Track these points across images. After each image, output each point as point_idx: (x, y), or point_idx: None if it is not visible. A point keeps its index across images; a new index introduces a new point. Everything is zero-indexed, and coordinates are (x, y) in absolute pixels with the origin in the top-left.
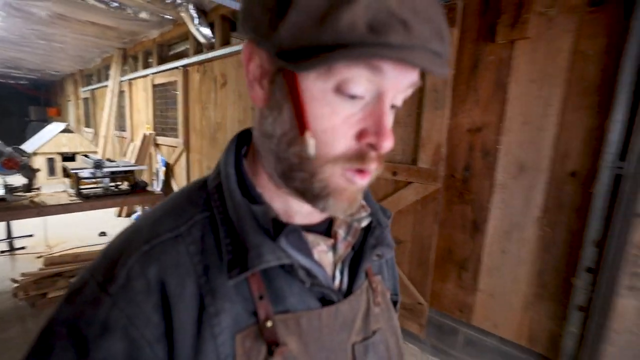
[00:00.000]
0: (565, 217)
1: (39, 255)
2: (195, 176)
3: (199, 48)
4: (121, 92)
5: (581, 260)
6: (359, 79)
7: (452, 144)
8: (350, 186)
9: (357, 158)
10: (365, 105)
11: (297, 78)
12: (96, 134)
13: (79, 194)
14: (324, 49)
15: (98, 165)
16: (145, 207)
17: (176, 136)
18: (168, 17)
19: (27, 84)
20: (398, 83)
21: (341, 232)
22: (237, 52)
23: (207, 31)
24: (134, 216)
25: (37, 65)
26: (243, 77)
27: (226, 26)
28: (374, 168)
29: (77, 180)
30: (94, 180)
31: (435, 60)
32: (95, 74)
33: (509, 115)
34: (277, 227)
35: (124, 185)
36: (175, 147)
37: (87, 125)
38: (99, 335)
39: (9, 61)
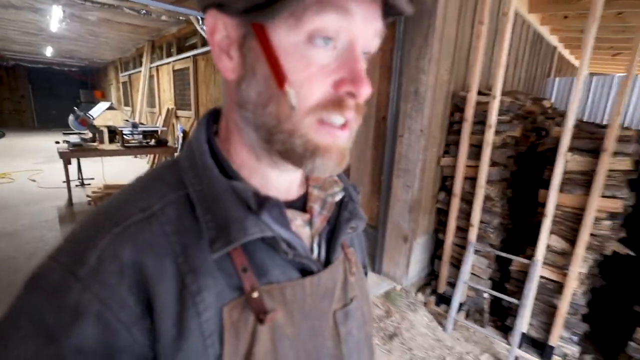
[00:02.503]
0: (382, 142)
1: (99, 187)
2: None
3: (205, 41)
4: (151, 77)
5: (384, 166)
6: (329, 25)
7: None
8: (334, 142)
9: (335, 106)
10: (338, 55)
11: (269, 34)
12: (133, 111)
13: (123, 145)
14: None
15: (134, 125)
16: (167, 157)
17: (190, 109)
18: (182, 18)
19: (78, 71)
20: (366, 29)
21: (316, 207)
22: None
23: None
24: None
25: (86, 55)
26: None
27: None
28: (352, 117)
29: (122, 135)
30: (132, 137)
31: None
32: (131, 62)
33: None
34: (257, 202)
35: (152, 142)
36: (190, 117)
37: (126, 104)
38: (69, 322)
39: (66, 52)
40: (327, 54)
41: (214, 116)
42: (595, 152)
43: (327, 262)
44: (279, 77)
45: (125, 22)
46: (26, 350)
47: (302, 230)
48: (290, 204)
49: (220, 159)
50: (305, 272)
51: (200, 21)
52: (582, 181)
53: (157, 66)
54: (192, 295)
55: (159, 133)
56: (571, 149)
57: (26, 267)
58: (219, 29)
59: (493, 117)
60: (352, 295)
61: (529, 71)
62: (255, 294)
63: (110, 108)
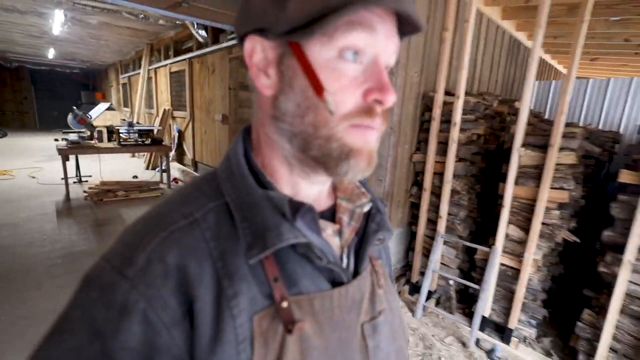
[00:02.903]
0: None
1: (96, 184)
2: (197, 137)
3: (200, 44)
4: (149, 79)
5: None
6: (358, 41)
7: None
8: (365, 145)
9: (366, 113)
10: (365, 69)
11: (305, 51)
12: (132, 112)
13: (119, 143)
14: (329, 10)
15: (130, 124)
16: (162, 155)
17: (185, 110)
18: (178, 22)
19: (80, 73)
20: (388, 45)
21: (345, 218)
22: (222, 49)
23: (203, 33)
24: (157, 169)
25: (88, 57)
26: (225, 67)
27: (215, 30)
28: (379, 122)
29: (118, 134)
30: (128, 135)
31: (413, 10)
32: (131, 64)
33: None
34: (292, 208)
35: (147, 141)
36: (185, 118)
37: (125, 105)
38: (116, 318)
39: (67, 54)
40: (355, 68)
41: (249, 131)
42: (545, 148)
43: (355, 273)
44: (317, 86)
45: (124, 26)
46: (75, 342)
47: (332, 240)
48: (320, 215)
49: (256, 170)
50: (334, 283)
51: (196, 25)
52: (535, 174)
53: (155, 68)
54: (227, 299)
55: (154, 132)
56: (526, 144)
57: (24, 253)
58: (257, 51)
59: (457, 116)
60: (380, 309)
61: (507, 75)
62: (284, 304)
63: (110, 109)
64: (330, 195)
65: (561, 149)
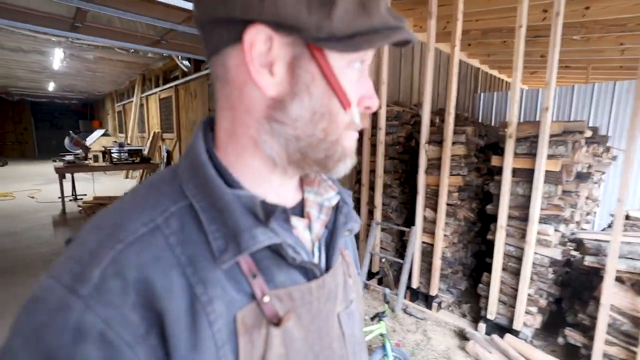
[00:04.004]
0: None
1: (90, 200)
2: None
3: (184, 74)
4: (141, 105)
5: None
6: (367, 56)
7: None
8: (353, 146)
9: (360, 119)
10: (360, 76)
11: (328, 58)
12: (126, 137)
13: (111, 161)
14: (373, 31)
15: (121, 145)
16: (151, 173)
17: (173, 132)
18: (165, 55)
19: (78, 103)
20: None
21: (314, 212)
22: (201, 76)
23: (186, 63)
24: None
25: (85, 88)
26: (204, 91)
27: (197, 60)
28: (365, 125)
29: (110, 154)
30: (119, 155)
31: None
32: (126, 93)
33: None
34: (264, 210)
35: (137, 160)
36: (173, 139)
37: (121, 132)
38: (71, 343)
39: (66, 86)
40: (356, 75)
41: (209, 126)
42: (441, 143)
43: (328, 266)
44: (344, 99)
45: (118, 59)
46: None
47: (303, 235)
48: (290, 211)
49: (220, 169)
50: (308, 277)
51: (180, 57)
52: (438, 165)
53: (147, 96)
54: (203, 305)
55: (143, 152)
56: (431, 142)
57: (25, 254)
58: (258, 42)
59: (382, 121)
60: (351, 297)
61: (440, 88)
62: (266, 299)
63: (105, 134)
64: (298, 189)
65: (454, 143)
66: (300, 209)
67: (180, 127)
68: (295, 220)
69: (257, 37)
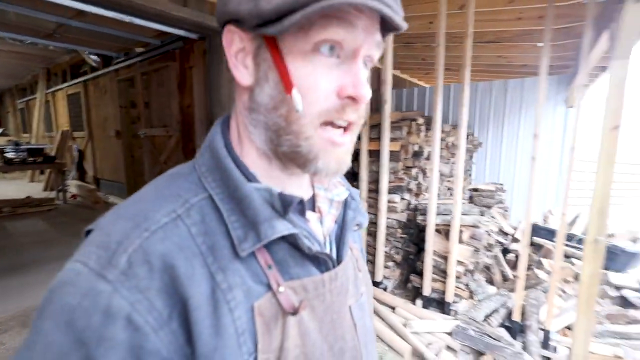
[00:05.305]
0: None
1: None
2: (97, 154)
3: (94, 69)
4: (47, 102)
5: None
6: (334, 36)
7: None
8: (334, 147)
9: (337, 112)
10: (342, 63)
11: (280, 45)
12: (31, 136)
13: (5, 162)
14: (301, 5)
15: (17, 144)
16: (57, 172)
17: (84, 130)
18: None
19: None
20: (368, 39)
21: (325, 207)
22: (110, 72)
23: (95, 57)
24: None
25: None
26: (114, 87)
27: (107, 57)
28: (354, 120)
29: (2, 154)
30: (16, 154)
31: (390, 8)
32: (28, 88)
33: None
34: (282, 201)
35: (39, 160)
36: (84, 137)
37: (24, 131)
38: (100, 325)
39: None
40: (331, 62)
41: (226, 122)
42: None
43: (339, 259)
44: (287, 83)
45: (12, 51)
46: (55, 353)
47: (316, 228)
48: (305, 204)
49: (238, 162)
50: (322, 269)
51: (87, 51)
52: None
53: (53, 92)
54: (223, 293)
55: (47, 151)
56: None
57: None
58: (235, 42)
59: None
60: (362, 290)
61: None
62: (281, 289)
63: (3, 134)
64: (309, 186)
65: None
66: (311, 204)
67: (92, 125)
68: (309, 214)
69: (230, 37)
